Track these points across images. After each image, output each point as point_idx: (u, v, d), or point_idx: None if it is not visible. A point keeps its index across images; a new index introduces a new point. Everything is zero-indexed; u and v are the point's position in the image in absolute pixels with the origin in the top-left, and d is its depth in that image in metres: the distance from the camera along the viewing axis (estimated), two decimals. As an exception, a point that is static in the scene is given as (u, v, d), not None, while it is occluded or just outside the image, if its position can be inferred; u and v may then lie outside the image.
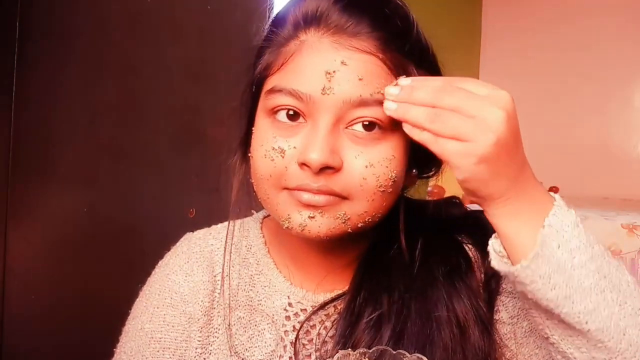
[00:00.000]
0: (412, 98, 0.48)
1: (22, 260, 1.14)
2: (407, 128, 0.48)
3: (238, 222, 0.68)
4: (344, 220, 0.52)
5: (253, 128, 0.56)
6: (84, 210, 1.25)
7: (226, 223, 0.68)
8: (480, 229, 0.53)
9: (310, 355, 0.59)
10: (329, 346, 0.57)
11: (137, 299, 0.65)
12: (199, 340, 0.61)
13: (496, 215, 0.48)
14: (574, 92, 3.91)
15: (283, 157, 0.52)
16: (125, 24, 1.34)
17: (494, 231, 0.50)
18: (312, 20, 0.53)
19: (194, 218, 1.49)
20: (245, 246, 0.66)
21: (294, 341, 0.60)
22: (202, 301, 0.62)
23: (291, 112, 0.52)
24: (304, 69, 0.51)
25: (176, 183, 1.47)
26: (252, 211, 0.68)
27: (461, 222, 0.64)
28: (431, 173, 0.62)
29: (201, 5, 1.53)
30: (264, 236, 0.66)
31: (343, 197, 0.52)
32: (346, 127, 0.52)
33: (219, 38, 1.58)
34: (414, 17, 0.56)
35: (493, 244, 0.49)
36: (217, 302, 0.62)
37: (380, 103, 0.50)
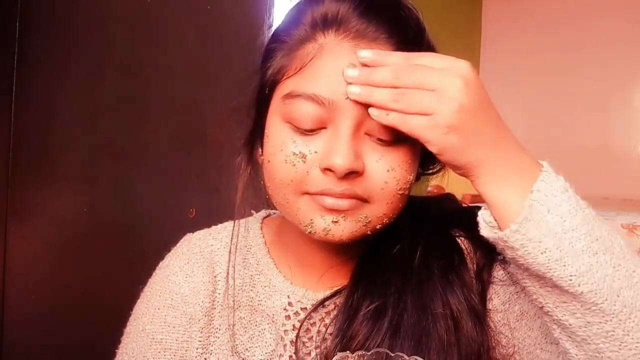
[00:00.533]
0: (373, 79, 0.48)
1: (22, 260, 1.14)
2: (374, 112, 0.49)
3: (240, 222, 0.67)
4: (365, 224, 0.53)
5: (266, 131, 0.55)
6: (84, 210, 1.25)
7: (226, 223, 0.68)
8: (472, 221, 0.53)
9: (310, 353, 0.60)
10: (329, 343, 0.57)
11: (138, 300, 0.65)
12: (200, 341, 0.61)
13: (482, 183, 0.48)
14: (574, 92, 3.91)
15: (304, 162, 0.52)
16: (125, 24, 1.34)
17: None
18: (331, 24, 0.53)
19: (194, 218, 1.49)
20: (246, 246, 0.66)
21: (294, 340, 0.60)
22: (202, 302, 0.62)
23: (313, 118, 0.51)
24: (326, 73, 0.51)
25: (176, 183, 1.47)
26: (252, 211, 0.69)
27: (454, 216, 0.65)
28: (435, 169, 0.63)
29: (201, 5, 1.53)
30: (263, 236, 0.67)
31: (364, 200, 0.52)
32: (366, 132, 0.52)
33: (219, 38, 1.58)
34: (423, 21, 0.57)
35: (482, 215, 0.49)
36: (218, 302, 0.63)
37: None
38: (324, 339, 0.58)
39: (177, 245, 0.68)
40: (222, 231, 0.68)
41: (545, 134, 3.99)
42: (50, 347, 1.19)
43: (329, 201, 0.51)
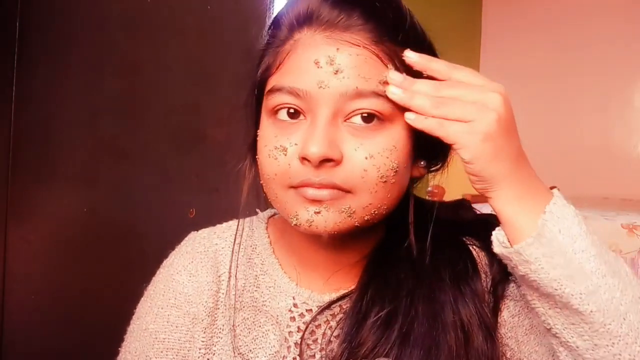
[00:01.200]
0: (414, 88, 0.51)
1: (22, 260, 1.14)
2: (410, 116, 0.51)
3: (244, 221, 0.68)
4: (349, 214, 0.53)
5: (258, 131, 0.57)
6: (84, 210, 1.25)
7: (230, 222, 0.68)
8: (488, 231, 0.53)
9: (314, 355, 0.59)
10: (334, 345, 0.57)
11: (142, 299, 0.65)
12: (203, 341, 0.61)
13: (500, 200, 0.50)
14: (574, 92, 3.91)
15: (285, 155, 0.52)
16: (125, 24, 1.34)
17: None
18: (304, 20, 0.54)
19: (194, 218, 1.49)
20: (250, 246, 0.66)
21: (298, 342, 0.60)
22: (206, 302, 0.62)
23: (291, 110, 0.53)
24: (299, 65, 0.52)
25: (176, 183, 1.47)
26: (257, 210, 0.68)
27: (470, 224, 0.65)
28: (439, 165, 0.63)
29: (201, 5, 1.53)
30: (269, 236, 0.66)
31: (346, 191, 0.52)
32: (345, 120, 0.52)
33: (219, 38, 1.58)
34: (407, 8, 0.57)
35: (497, 234, 0.51)
36: (221, 302, 0.62)
37: (376, 94, 0.51)
38: (329, 342, 0.58)
39: (181, 243, 0.68)
40: (226, 230, 0.67)
41: (545, 134, 3.99)
42: (50, 347, 1.19)
43: (310, 192, 0.52)
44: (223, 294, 0.63)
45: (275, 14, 0.60)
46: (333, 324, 0.59)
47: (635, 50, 3.75)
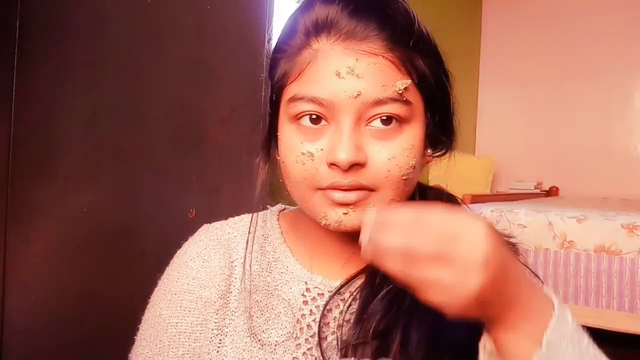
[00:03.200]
0: (385, 242, 0.45)
1: (22, 260, 1.14)
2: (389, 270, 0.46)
3: (258, 215, 0.71)
4: None
5: (279, 134, 0.60)
6: (84, 210, 1.25)
7: (242, 216, 0.71)
8: None
9: (326, 337, 0.62)
10: (345, 329, 0.60)
11: (156, 287, 0.67)
12: (215, 322, 0.63)
13: (492, 329, 0.48)
14: (574, 92, 3.91)
15: (313, 160, 0.56)
16: (125, 24, 1.34)
17: None
18: (322, 28, 0.56)
19: (194, 218, 1.49)
20: (263, 235, 0.68)
21: (311, 324, 0.62)
22: (218, 285, 0.64)
23: (314, 117, 0.56)
24: (321, 76, 0.55)
25: (176, 183, 1.47)
26: (268, 205, 0.71)
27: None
28: (444, 151, 0.65)
29: (201, 5, 1.53)
30: (280, 227, 0.70)
31: (371, 190, 0.56)
32: (366, 125, 0.56)
33: (219, 38, 1.58)
34: (413, 11, 0.59)
35: (485, 342, 0.49)
36: (234, 286, 0.65)
37: (394, 100, 0.55)
38: (340, 325, 0.61)
39: (195, 234, 0.70)
40: (239, 222, 0.70)
41: (545, 134, 3.99)
42: (50, 347, 1.19)
43: (339, 195, 0.55)
44: (236, 278, 0.65)
45: (287, 19, 0.61)
46: (343, 307, 0.62)
47: (635, 50, 3.76)
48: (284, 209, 0.73)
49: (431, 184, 0.68)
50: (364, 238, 0.47)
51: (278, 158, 0.62)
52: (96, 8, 1.28)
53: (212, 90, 1.55)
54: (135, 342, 0.65)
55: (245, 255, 0.66)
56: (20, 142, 1.13)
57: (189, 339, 0.62)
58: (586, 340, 0.49)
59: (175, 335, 0.62)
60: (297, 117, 0.57)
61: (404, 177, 0.57)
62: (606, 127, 3.87)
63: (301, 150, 0.56)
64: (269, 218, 0.71)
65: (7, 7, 1.10)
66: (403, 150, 0.56)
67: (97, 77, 1.28)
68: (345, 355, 0.58)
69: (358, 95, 0.54)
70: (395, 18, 0.57)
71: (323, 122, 0.56)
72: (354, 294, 0.62)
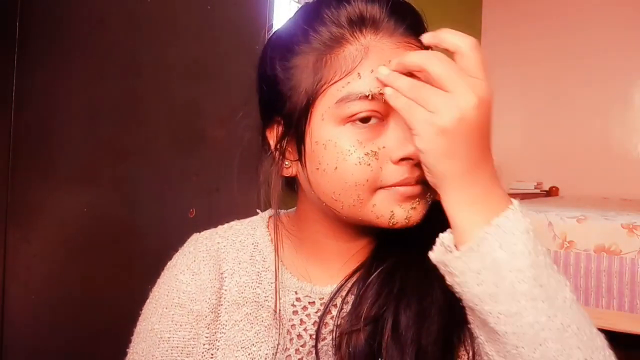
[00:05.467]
0: (406, 58, 0.50)
1: (22, 260, 1.14)
2: (388, 91, 0.51)
3: (245, 221, 0.70)
4: (430, 202, 0.57)
5: (317, 141, 0.56)
6: (84, 210, 1.25)
7: (232, 223, 0.70)
8: None
9: (318, 344, 0.61)
10: (338, 330, 0.59)
11: (147, 300, 0.66)
12: (207, 337, 0.62)
13: (450, 202, 0.49)
14: (574, 92, 3.91)
15: (377, 159, 0.54)
16: (125, 24, 1.34)
17: None
18: (368, 23, 0.56)
19: (194, 218, 1.49)
20: (252, 244, 0.67)
21: (301, 334, 0.62)
22: (209, 298, 0.63)
23: (365, 116, 0.54)
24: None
25: (176, 183, 1.47)
26: (258, 210, 0.70)
27: None
28: None
29: (201, 5, 1.53)
30: (270, 234, 0.68)
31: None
32: None
33: (219, 38, 1.58)
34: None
35: (443, 237, 0.50)
36: (225, 299, 0.64)
37: None
38: (332, 331, 0.60)
39: (184, 245, 0.69)
40: (228, 230, 0.69)
41: (545, 134, 3.99)
42: (50, 347, 1.19)
43: (405, 190, 0.55)
44: (226, 290, 0.64)
45: (302, 18, 0.58)
46: (335, 313, 0.61)
47: (635, 50, 3.76)
48: (274, 215, 0.70)
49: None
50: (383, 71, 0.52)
51: (290, 168, 0.60)
52: (96, 8, 1.28)
53: (212, 90, 1.55)
54: (128, 356, 0.65)
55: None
56: (20, 142, 1.13)
57: (181, 353, 0.62)
58: (541, 247, 0.48)
59: (167, 350, 0.62)
60: (351, 118, 0.54)
61: None
62: (606, 127, 3.87)
63: (363, 151, 0.54)
64: (259, 225, 0.69)
65: (7, 7, 1.10)
66: None
67: (97, 77, 1.28)
68: (339, 347, 0.58)
69: None
70: (421, 19, 0.59)
71: (373, 121, 0.54)
72: (345, 297, 0.61)
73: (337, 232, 0.62)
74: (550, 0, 4.03)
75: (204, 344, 0.62)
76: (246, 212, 0.71)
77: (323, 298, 0.63)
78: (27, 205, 1.15)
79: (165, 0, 1.42)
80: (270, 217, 0.70)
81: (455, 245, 0.48)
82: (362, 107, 0.54)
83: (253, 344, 0.61)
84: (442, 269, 0.49)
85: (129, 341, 0.66)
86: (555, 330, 0.46)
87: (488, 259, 0.46)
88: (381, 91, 0.53)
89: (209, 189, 1.51)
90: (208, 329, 0.62)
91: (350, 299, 0.61)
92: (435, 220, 0.57)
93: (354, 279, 0.62)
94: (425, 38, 0.52)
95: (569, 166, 3.84)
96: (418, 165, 0.53)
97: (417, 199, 0.56)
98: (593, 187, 3.75)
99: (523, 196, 3.36)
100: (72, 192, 1.24)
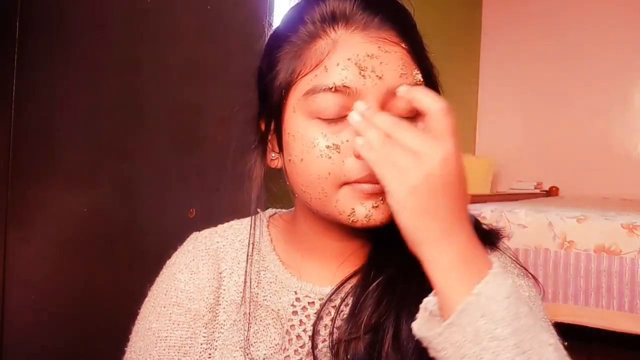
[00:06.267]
0: (375, 118, 0.51)
1: (22, 260, 1.14)
2: (359, 141, 0.51)
3: (245, 220, 0.69)
4: None
5: (289, 133, 0.57)
6: (84, 210, 1.25)
7: (232, 222, 0.70)
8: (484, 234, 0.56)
9: (317, 345, 0.60)
10: (336, 336, 0.58)
11: (146, 299, 0.66)
12: (204, 336, 0.62)
13: (429, 266, 0.49)
14: (574, 92, 3.91)
15: (339, 153, 0.54)
16: (125, 24, 1.34)
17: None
18: (339, 19, 0.56)
19: (194, 218, 1.49)
20: (252, 243, 0.67)
21: (300, 334, 0.61)
22: (207, 298, 0.63)
23: (337, 108, 0.54)
24: (344, 64, 0.54)
25: (176, 183, 1.47)
26: (258, 210, 0.69)
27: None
28: None
29: (201, 5, 1.53)
30: (270, 234, 0.68)
31: None
32: (388, 111, 0.54)
33: (219, 38, 1.58)
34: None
35: (427, 303, 0.49)
36: (223, 298, 0.64)
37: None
38: (331, 333, 0.59)
39: (184, 243, 0.69)
40: (227, 229, 0.69)
41: (545, 134, 3.99)
42: (50, 347, 1.19)
43: (367, 187, 0.54)
44: (224, 290, 0.64)
45: (288, 15, 0.60)
46: (335, 314, 0.60)
47: (635, 51, 3.76)
48: (275, 214, 0.71)
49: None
50: (359, 107, 0.53)
51: (274, 160, 0.60)
52: (96, 8, 1.28)
53: (212, 90, 1.54)
54: (125, 354, 0.64)
55: (247, 267, 0.64)
56: (20, 142, 1.13)
57: (178, 352, 0.61)
58: (522, 308, 0.47)
59: (164, 349, 0.61)
60: (319, 110, 0.55)
61: None
62: (606, 127, 3.87)
63: (325, 143, 0.54)
64: (259, 224, 0.69)
65: (7, 7, 1.10)
66: None
67: (97, 77, 1.28)
68: (337, 354, 0.56)
69: (381, 79, 0.54)
70: (403, 11, 0.59)
71: (347, 112, 0.54)
72: (345, 299, 0.61)
73: (328, 230, 0.62)
74: (551, 1, 4.03)
75: (201, 344, 0.62)
76: (246, 212, 0.70)
77: (323, 299, 0.62)
78: (27, 205, 1.15)
79: (165, 0, 1.42)
80: (270, 216, 0.70)
81: (440, 309, 0.48)
82: (327, 100, 0.54)
83: (251, 344, 0.61)
84: (425, 344, 0.49)
85: (129, 340, 0.65)
86: None
87: (469, 330, 0.45)
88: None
89: (209, 189, 1.51)
90: (206, 328, 0.62)
91: (350, 301, 0.60)
92: None
93: (353, 281, 0.61)
94: (401, 91, 0.54)
95: (569, 166, 3.84)
96: None
97: (381, 198, 0.54)
98: (593, 187, 3.75)
99: (523, 196, 3.36)
100: (72, 192, 1.24)
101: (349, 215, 0.55)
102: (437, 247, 0.48)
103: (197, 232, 0.70)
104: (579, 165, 3.85)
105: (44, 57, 1.17)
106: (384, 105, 0.54)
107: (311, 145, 0.55)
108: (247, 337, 0.61)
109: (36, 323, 1.18)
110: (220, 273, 0.65)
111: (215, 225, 0.71)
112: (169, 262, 0.68)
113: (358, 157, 0.53)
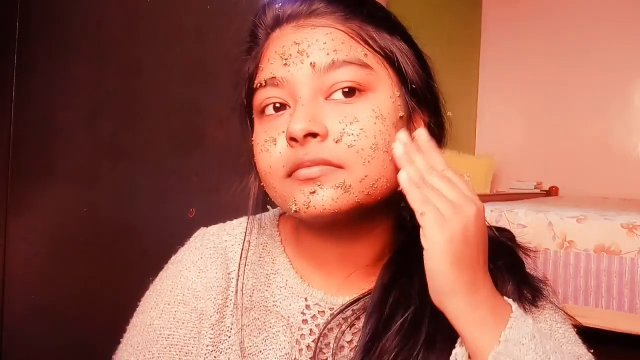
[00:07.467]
0: (414, 157, 0.53)
1: (22, 260, 1.14)
2: (404, 176, 0.51)
3: (256, 217, 0.67)
4: (345, 190, 0.52)
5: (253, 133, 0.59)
6: (84, 210, 1.25)
7: (241, 219, 0.68)
8: (499, 251, 0.56)
9: (327, 359, 0.59)
10: (346, 351, 0.57)
11: (147, 293, 0.64)
12: (211, 338, 0.60)
13: (457, 315, 0.49)
14: (574, 92, 3.91)
15: (276, 145, 0.54)
16: (125, 23, 1.34)
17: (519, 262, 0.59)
18: (275, 25, 0.58)
19: (194, 218, 1.49)
20: (261, 244, 0.65)
21: (311, 345, 0.59)
22: (215, 298, 0.61)
23: (277, 105, 0.55)
24: (273, 58, 0.55)
25: (176, 183, 1.47)
26: (268, 207, 0.68)
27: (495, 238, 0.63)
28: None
29: (201, 5, 1.53)
30: (280, 234, 0.66)
31: (338, 166, 0.52)
32: (326, 99, 0.54)
33: (219, 38, 1.58)
34: None
35: (457, 355, 0.50)
36: (231, 300, 0.61)
37: (349, 63, 0.53)
38: (341, 347, 0.58)
39: (191, 240, 0.67)
40: (237, 227, 0.67)
41: (545, 134, 3.99)
42: (50, 347, 1.19)
43: (303, 172, 0.52)
44: (232, 292, 0.62)
45: (250, 24, 0.63)
46: (345, 328, 0.58)
47: (635, 50, 3.75)
48: (284, 213, 0.68)
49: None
50: (402, 138, 0.53)
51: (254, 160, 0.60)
52: (96, 8, 1.28)
53: (212, 90, 1.54)
54: (121, 346, 0.63)
55: (238, 275, 0.62)
56: (20, 142, 1.13)
57: (180, 352, 0.59)
58: (548, 344, 0.49)
59: (166, 348, 0.59)
60: (262, 109, 0.56)
61: (373, 149, 0.52)
62: (606, 127, 3.87)
63: (265, 138, 0.54)
64: (268, 223, 0.67)
65: (7, 7, 1.10)
66: (368, 118, 0.52)
67: (97, 77, 1.28)
68: None
69: (310, 65, 0.53)
70: None
71: (287, 110, 0.54)
72: (357, 312, 0.58)
73: (321, 233, 0.59)
74: (551, 0, 4.03)
75: (207, 345, 0.59)
76: (246, 212, 0.70)
77: (334, 309, 0.59)
78: (27, 205, 1.15)
79: (165, 0, 1.42)
80: (280, 215, 0.68)
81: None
82: (261, 96, 0.55)
83: (261, 352, 0.59)
84: None
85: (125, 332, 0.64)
86: None
87: None
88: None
89: (209, 189, 1.51)
90: (212, 330, 0.60)
91: (358, 322, 0.57)
92: None
93: (360, 306, 0.58)
94: (397, 152, 0.53)
95: (569, 166, 3.84)
96: (316, 145, 0.51)
97: (318, 182, 0.51)
98: (593, 187, 3.75)
99: (523, 196, 3.36)
100: (72, 191, 1.24)
101: (290, 205, 0.53)
102: (467, 300, 0.49)
103: (205, 228, 0.68)
104: (579, 165, 3.85)
105: (44, 57, 1.17)
106: (319, 90, 0.53)
107: (256, 142, 0.56)
108: (241, 341, 0.60)
109: (36, 322, 1.18)
110: (229, 274, 0.63)
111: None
112: (175, 259, 0.66)
113: (290, 143, 0.52)
